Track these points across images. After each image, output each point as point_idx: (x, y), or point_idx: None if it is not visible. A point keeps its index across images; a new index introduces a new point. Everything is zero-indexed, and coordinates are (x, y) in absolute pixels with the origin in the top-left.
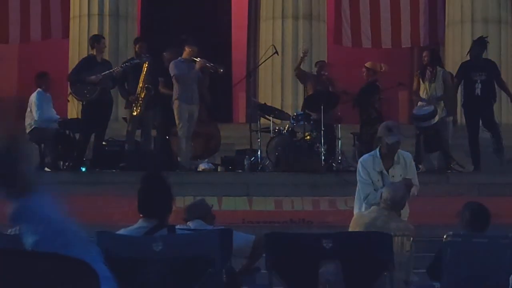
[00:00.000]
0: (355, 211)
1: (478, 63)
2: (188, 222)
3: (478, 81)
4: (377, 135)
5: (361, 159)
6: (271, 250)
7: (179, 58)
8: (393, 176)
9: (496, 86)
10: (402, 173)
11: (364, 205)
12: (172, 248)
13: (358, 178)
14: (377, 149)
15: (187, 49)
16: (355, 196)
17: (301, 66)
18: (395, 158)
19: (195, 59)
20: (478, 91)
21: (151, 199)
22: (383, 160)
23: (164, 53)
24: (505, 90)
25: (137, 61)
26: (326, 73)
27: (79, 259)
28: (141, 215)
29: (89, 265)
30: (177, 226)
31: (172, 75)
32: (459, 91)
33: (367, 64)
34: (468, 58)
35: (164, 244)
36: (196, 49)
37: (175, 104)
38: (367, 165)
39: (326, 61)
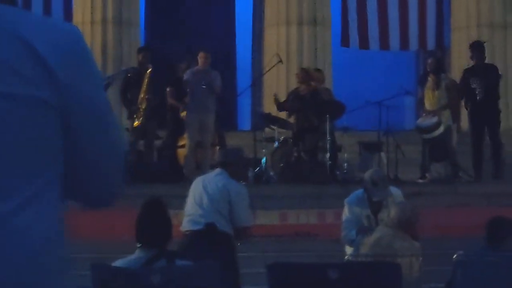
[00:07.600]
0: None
1: (479, 68)
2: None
3: (478, 87)
4: (362, 184)
5: (346, 199)
6: (275, 280)
7: (195, 67)
8: (382, 220)
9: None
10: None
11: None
12: (171, 280)
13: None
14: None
15: (201, 56)
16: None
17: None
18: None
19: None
20: (479, 97)
21: (151, 227)
22: (370, 203)
23: (180, 64)
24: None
25: (124, 69)
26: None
27: None
28: (138, 244)
29: None
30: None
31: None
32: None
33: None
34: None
35: (163, 276)
36: (209, 56)
37: (185, 114)
38: (352, 207)
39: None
